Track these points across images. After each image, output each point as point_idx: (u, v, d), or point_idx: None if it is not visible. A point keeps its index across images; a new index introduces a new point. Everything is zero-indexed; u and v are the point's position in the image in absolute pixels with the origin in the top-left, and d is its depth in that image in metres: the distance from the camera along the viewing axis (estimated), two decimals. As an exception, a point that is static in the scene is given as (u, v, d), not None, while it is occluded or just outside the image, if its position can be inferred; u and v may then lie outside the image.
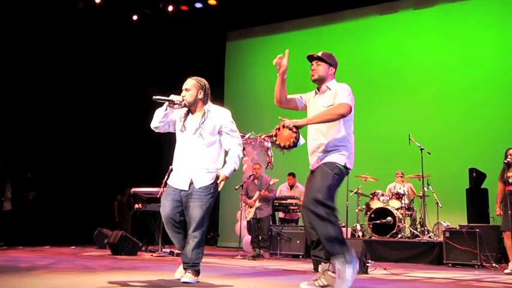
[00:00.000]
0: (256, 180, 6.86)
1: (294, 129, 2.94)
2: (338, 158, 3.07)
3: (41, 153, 8.34)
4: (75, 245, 7.58)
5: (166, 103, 3.29)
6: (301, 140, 3.08)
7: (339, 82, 3.23)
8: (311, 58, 3.29)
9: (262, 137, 7.05)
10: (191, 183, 3.25)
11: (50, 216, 8.22)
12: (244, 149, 7.37)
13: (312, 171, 3.11)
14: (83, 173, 8.73)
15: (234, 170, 3.37)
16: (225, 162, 3.44)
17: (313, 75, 3.22)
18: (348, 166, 3.08)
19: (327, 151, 3.09)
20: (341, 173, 3.05)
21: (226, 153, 3.48)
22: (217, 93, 9.16)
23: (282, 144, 2.94)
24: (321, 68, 3.22)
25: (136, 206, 6.66)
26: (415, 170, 7.20)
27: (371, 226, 6.79)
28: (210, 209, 3.31)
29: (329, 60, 3.25)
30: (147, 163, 9.01)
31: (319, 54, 3.25)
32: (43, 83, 8.18)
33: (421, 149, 6.99)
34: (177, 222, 3.24)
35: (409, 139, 6.98)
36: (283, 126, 2.97)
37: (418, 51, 8.64)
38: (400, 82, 8.64)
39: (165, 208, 3.26)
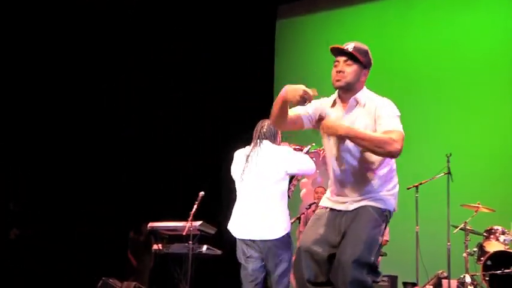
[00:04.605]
0: (320, 212, 6.69)
1: None
2: (387, 201, 3.13)
3: (26, 174, 8.43)
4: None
5: None
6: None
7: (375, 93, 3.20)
8: (338, 52, 3.18)
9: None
10: None
11: (39, 262, 8.20)
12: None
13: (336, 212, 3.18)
14: (83, 201, 8.72)
15: None
16: None
17: (338, 80, 3.15)
18: (395, 209, 3.19)
19: (372, 188, 3.11)
20: (387, 222, 3.17)
21: None
22: (265, 84, 9.44)
23: None
24: (350, 71, 3.14)
25: (155, 246, 6.52)
26: None
27: (487, 278, 6.44)
28: None
29: (363, 59, 3.16)
30: (168, 188, 8.99)
31: (351, 47, 3.15)
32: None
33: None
34: None
35: None
36: None
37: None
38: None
39: None
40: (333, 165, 3.27)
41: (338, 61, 3.18)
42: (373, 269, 3.07)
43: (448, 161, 6.84)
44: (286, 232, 4.34)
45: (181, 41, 9.21)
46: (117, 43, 8.90)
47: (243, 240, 4.44)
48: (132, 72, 8.94)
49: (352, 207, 3.17)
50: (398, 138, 2.98)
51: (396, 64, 8.77)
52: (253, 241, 4.37)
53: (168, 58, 9.23)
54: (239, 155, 4.60)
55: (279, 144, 4.56)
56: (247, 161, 4.48)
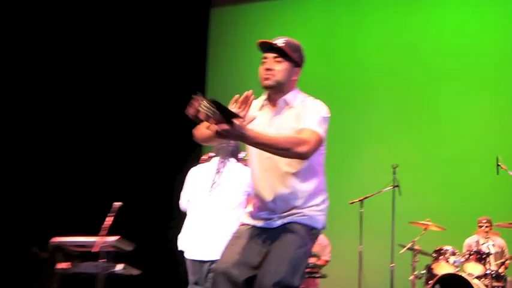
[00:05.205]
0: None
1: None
2: (315, 217, 3.05)
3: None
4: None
5: None
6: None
7: (308, 94, 3.13)
8: (266, 47, 3.06)
9: None
10: None
11: None
12: None
13: (261, 229, 3.09)
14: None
15: None
16: None
17: (266, 78, 3.03)
18: (324, 227, 3.11)
19: (298, 203, 3.03)
20: (314, 240, 3.10)
21: None
22: (198, 74, 9.45)
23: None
24: (280, 68, 3.03)
25: (60, 265, 6.02)
26: (509, 215, 6.80)
27: (435, 304, 6.43)
28: None
29: (295, 56, 3.07)
30: (79, 196, 8.27)
31: (281, 43, 3.05)
32: None
33: (518, 181, 6.62)
34: None
35: (497, 165, 6.45)
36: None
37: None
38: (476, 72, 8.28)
39: None
40: (255, 177, 3.14)
41: (267, 58, 3.04)
42: None
43: (394, 173, 6.70)
44: None
45: (103, 30, 8.74)
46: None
47: (194, 261, 4.55)
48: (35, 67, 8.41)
49: (276, 224, 3.04)
50: (310, 137, 2.86)
51: (343, 64, 8.73)
52: (205, 262, 4.49)
53: (85, 49, 8.68)
54: (198, 171, 4.76)
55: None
56: (216, 175, 4.66)
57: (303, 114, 2.98)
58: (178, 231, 4.95)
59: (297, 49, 3.07)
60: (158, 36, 9.07)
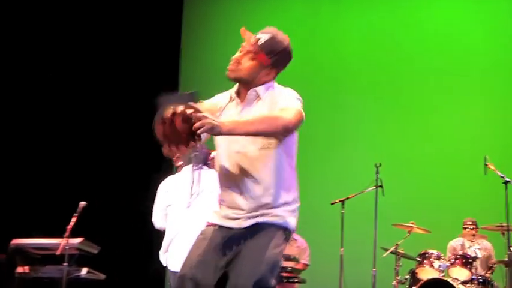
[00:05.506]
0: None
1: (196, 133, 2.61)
2: (287, 218, 3.00)
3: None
4: None
5: None
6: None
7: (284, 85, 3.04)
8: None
9: None
10: None
11: None
12: None
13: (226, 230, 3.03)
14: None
15: None
16: None
17: (231, 70, 2.97)
18: (295, 229, 3.09)
19: (269, 201, 2.97)
20: (287, 242, 3.06)
21: None
22: (172, 58, 9.39)
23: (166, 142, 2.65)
24: (248, 65, 2.94)
25: (20, 269, 6.06)
26: (496, 217, 6.65)
27: (419, 310, 6.30)
28: None
29: (269, 59, 2.95)
30: (42, 195, 8.07)
31: (262, 40, 2.94)
32: None
33: (506, 182, 6.46)
34: None
35: (485, 165, 6.43)
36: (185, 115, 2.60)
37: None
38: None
39: None
40: (223, 173, 3.04)
41: (243, 47, 2.96)
42: None
43: (377, 172, 6.57)
44: None
45: (72, 17, 8.63)
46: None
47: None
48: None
49: (246, 224, 2.96)
50: (291, 112, 2.81)
51: (324, 58, 8.64)
52: None
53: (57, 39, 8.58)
54: (171, 184, 4.79)
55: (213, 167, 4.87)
56: (193, 184, 4.70)
57: (276, 101, 2.92)
58: (152, 234, 4.90)
59: (275, 51, 2.94)
60: (131, 26, 8.93)
